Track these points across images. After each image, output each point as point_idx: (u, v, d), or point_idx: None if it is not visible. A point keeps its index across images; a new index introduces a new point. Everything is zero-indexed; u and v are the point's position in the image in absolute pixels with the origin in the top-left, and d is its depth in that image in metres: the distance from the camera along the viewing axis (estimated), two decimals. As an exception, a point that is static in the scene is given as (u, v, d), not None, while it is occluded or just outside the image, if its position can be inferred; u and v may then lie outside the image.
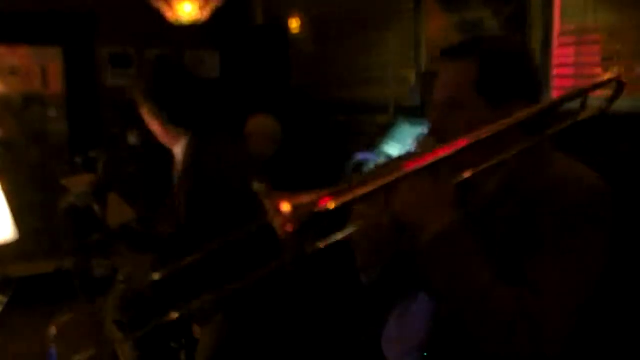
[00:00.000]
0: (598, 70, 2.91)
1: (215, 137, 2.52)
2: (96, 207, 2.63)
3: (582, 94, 1.44)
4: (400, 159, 1.29)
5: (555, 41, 2.96)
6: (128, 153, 3.66)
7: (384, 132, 3.88)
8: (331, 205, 1.18)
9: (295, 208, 1.15)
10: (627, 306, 2.42)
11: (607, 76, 1.47)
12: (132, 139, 2.95)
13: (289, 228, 1.15)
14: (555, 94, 2.96)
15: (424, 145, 1.40)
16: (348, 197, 1.20)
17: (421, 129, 3.47)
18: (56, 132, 5.35)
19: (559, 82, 2.98)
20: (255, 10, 5.51)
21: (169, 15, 4.15)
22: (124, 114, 2.79)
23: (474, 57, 1.41)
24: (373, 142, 3.93)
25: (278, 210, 1.15)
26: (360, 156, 3.73)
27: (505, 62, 1.41)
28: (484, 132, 1.29)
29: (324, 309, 3.14)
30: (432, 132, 1.45)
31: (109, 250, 2.46)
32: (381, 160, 3.77)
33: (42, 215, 4.79)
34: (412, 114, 3.84)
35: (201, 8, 4.12)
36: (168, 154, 2.63)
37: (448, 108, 1.42)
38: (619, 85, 1.46)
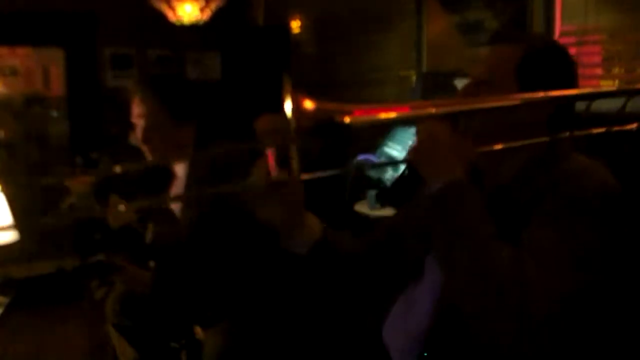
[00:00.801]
0: (599, 71, 2.92)
1: (220, 131, 2.50)
2: (97, 208, 2.63)
3: (620, 94, 1.49)
4: (426, 102, 1.31)
5: (556, 42, 2.96)
6: (129, 154, 3.64)
7: (384, 132, 3.89)
8: (348, 120, 1.20)
9: (317, 109, 1.19)
10: (628, 306, 2.41)
11: None
12: (134, 139, 2.94)
13: (306, 124, 1.18)
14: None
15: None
16: (369, 119, 1.22)
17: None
18: (57, 133, 5.35)
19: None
20: (256, 11, 5.51)
21: (170, 16, 4.15)
22: (125, 115, 2.77)
23: (521, 43, 1.44)
24: (374, 142, 3.93)
25: (300, 107, 1.20)
26: (361, 157, 3.73)
27: (547, 55, 1.44)
28: (507, 100, 1.33)
29: (328, 308, 3.14)
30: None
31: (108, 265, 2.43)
32: (382, 160, 3.77)
33: (43, 216, 4.78)
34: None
35: (202, 9, 4.12)
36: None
37: (481, 87, 1.44)
38: None
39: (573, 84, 1.46)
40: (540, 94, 1.35)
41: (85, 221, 2.67)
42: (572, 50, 2.95)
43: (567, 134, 1.41)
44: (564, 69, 1.46)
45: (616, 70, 2.93)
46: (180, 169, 2.47)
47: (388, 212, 3.52)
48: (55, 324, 4.07)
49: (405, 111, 1.29)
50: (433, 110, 1.29)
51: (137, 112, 2.37)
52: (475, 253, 1.21)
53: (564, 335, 1.23)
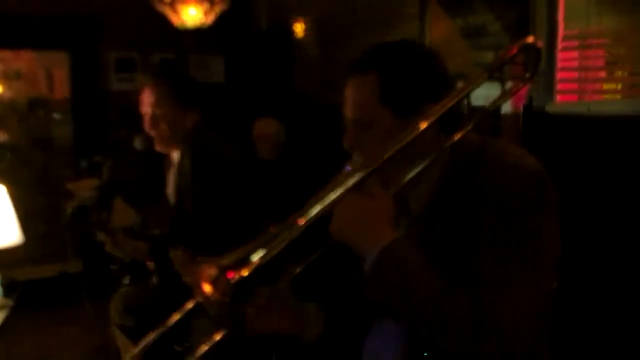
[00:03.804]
0: (602, 74, 2.92)
1: (219, 132, 2.58)
2: (101, 211, 2.65)
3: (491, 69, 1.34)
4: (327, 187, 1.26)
5: (559, 45, 2.96)
6: (133, 157, 3.67)
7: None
8: (244, 273, 1.17)
9: (214, 287, 1.16)
10: (627, 306, 2.42)
11: (519, 43, 1.34)
12: (138, 143, 2.95)
13: (223, 307, 1.18)
14: (559, 99, 2.96)
15: (353, 166, 1.36)
16: (260, 260, 1.19)
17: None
18: (61, 137, 5.36)
19: (563, 86, 2.98)
20: (259, 15, 5.52)
21: (174, 19, 4.16)
22: (129, 119, 2.79)
23: (373, 69, 1.37)
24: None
25: (200, 290, 1.18)
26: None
27: (404, 69, 1.36)
28: (398, 141, 1.26)
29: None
30: (350, 153, 1.42)
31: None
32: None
33: (47, 219, 4.80)
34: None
35: (206, 12, 4.13)
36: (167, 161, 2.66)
37: (358, 127, 1.39)
38: (536, 53, 1.34)
39: (441, 82, 1.37)
40: (418, 124, 1.27)
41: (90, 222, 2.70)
42: (575, 54, 2.96)
43: (460, 134, 1.33)
44: (424, 73, 1.37)
45: (619, 74, 2.93)
46: (176, 156, 2.55)
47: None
48: (60, 326, 4.08)
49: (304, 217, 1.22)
50: (324, 206, 1.24)
51: (147, 101, 2.52)
52: (434, 312, 1.18)
53: (542, 335, 1.23)
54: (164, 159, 2.70)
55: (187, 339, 2.64)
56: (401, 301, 1.21)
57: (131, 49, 5.17)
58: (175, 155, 2.58)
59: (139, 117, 2.58)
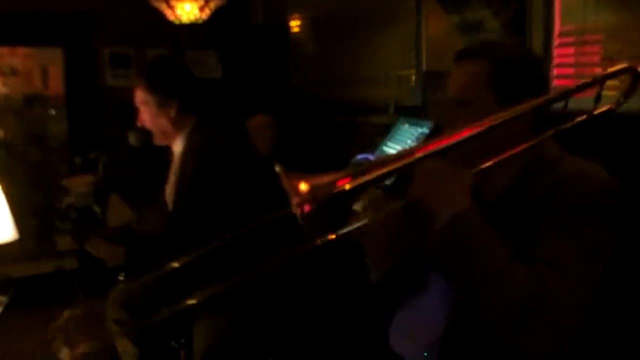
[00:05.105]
0: (598, 70, 2.91)
1: (219, 128, 2.55)
2: (96, 207, 2.64)
3: (590, 85, 1.46)
4: (414, 146, 1.35)
5: (555, 41, 2.96)
6: (128, 154, 3.66)
7: (384, 132, 3.88)
8: (347, 186, 1.25)
9: (313, 188, 1.22)
10: (629, 307, 2.41)
11: (618, 66, 1.46)
12: (132, 139, 2.94)
13: (308, 208, 1.21)
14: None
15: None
16: (364, 179, 1.26)
17: (421, 130, 3.47)
18: (56, 133, 5.35)
19: (559, 82, 2.98)
20: (255, 10, 5.51)
21: (169, 15, 4.15)
22: (124, 115, 2.78)
23: (489, 56, 1.46)
24: (373, 142, 3.93)
25: (297, 191, 1.21)
26: (360, 157, 3.72)
27: (518, 63, 1.47)
28: (493, 120, 1.34)
29: (327, 306, 3.14)
30: (442, 130, 1.49)
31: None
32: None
33: (42, 215, 4.79)
34: (413, 114, 3.84)
35: (201, 8, 4.12)
36: (168, 155, 2.64)
37: (457, 106, 1.46)
38: (634, 77, 1.44)
39: (544, 84, 1.49)
40: (519, 107, 1.36)
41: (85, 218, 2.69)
42: (571, 50, 2.95)
43: (552, 131, 1.42)
44: (533, 72, 1.49)
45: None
46: (177, 147, 2.53)
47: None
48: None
49: (396, 164, 1.31)
50: (421, 154, 1.32)
51: (139, 99, 2.50)
52: (496, 281, 1.24)
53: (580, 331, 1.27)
54: (160, 155, 2.69)
55: (184, 335, 2.64)
56: (466, 264, 1.28)
57: (126, 45, 5.15)
58: (176, 148, 2.56)
59: (134, 113, 2.56)
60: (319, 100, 4.77)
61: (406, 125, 3.68)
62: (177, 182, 2.50)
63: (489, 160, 1.37)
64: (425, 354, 1.51)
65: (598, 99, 1.46)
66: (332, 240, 1.29)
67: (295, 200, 1.23)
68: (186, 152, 2.47)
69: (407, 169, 1.31)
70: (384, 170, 1.29)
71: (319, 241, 1.27)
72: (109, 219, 2.52)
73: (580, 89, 1.45)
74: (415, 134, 3.48)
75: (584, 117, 1.46)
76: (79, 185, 2.73)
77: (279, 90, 5.01)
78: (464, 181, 1.33)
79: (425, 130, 3.43)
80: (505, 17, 3.23)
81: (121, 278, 2.62)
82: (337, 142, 4.42)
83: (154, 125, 2.53)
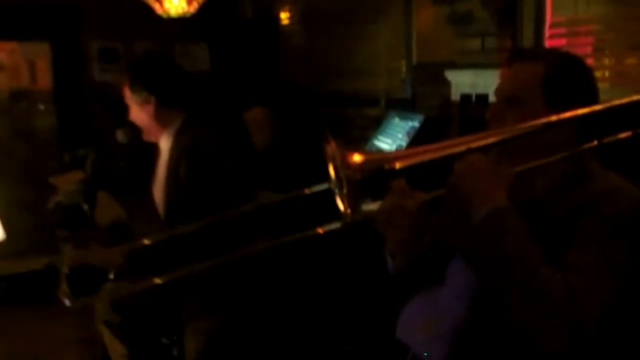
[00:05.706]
0: (590, 61, 2.91)
1: (208, 122, 2.54)
2: (85, 205, 2.61)
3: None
4: (463, 138, 1.38)
5: (547, 32, 2.95)
6: (117, 150, 3.63)
7: (374, 125, 3.87)
8: (398, 164, 1.29)
9: (365, 160, 1.27)
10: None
11: None
12: (120, 137, 2.91)
13: (357, 176, 1.25)
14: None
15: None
16: (413, 160, 1.31)
17: (412, 124, 3.46)
18: (45, 128, 5.31)
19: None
20: (244, 3, 5.48)
21: (157, 8, 4.10)
22: (112, 110, 2.76)
23: (545, 60, 1.49)
24: (364, 135, 3.91)
25: (348, 161, 1.27)
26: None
27: (573, 70, 1.49)
28: (539, 124, 1.37)
29: (331, 300, 3.15)
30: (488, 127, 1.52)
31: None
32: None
33: (32, 212, 4.75)
34: (403, 106, 3.83)
35: (189, 1, 4.08)
36: (157, 151, 2.61)
37: (507, 104, 1.48)
38: None
39: (594, 96, 1.50)
40: (568, 114, 1.39)
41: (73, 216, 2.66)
42: (563, 41, 2.94)
43: (595, 142, 1.46)
44: (585, 82, 1.50)
45: (606, 61, 2.93)
46: (164, 144, 2.50)
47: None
48: (45, 321, 4.04)
49: (447, 151, 1.35)
50: (472, 146, 1.35)
51: (127, 95, 2.48)
52: (526, 281, 1.26)
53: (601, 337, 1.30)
54: (149, 151, 2.66)
55: (175, 332, 2.63)
56: (498, 261, 1.29)
57: (114, 39, 5.11)
58: (163, 144, 2.54)
59: (122, 109, 2.54)
60: (308, 93, 4.75)
61: (397, 119, 3.67)
62: (167, 182, 2.47)
63: (532, 162, 1.41)
64: (426, 354, 1.54)
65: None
66: (355, 222, 1.33)
67: (341, 171, 1.28)
68: (177, 152, 2.44)
69: (453, 158, 1.35)
70: (432, 156, 1.33)
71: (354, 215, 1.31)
72: (98, 217, 2.48)
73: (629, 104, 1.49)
74: (406, 127, 3.48)
75: (629, 133, 1.50)
76: (67, 184, 2.69)
77: (269, 83, 4.99)
78: (505, 179, 1.35)
79: (416, 124, 3.42)
80: (495, 8, 3.22)
81: (111, 277, 2.60)
82: (326, 135, 4.40)
83: (139, 121, 2.51)
